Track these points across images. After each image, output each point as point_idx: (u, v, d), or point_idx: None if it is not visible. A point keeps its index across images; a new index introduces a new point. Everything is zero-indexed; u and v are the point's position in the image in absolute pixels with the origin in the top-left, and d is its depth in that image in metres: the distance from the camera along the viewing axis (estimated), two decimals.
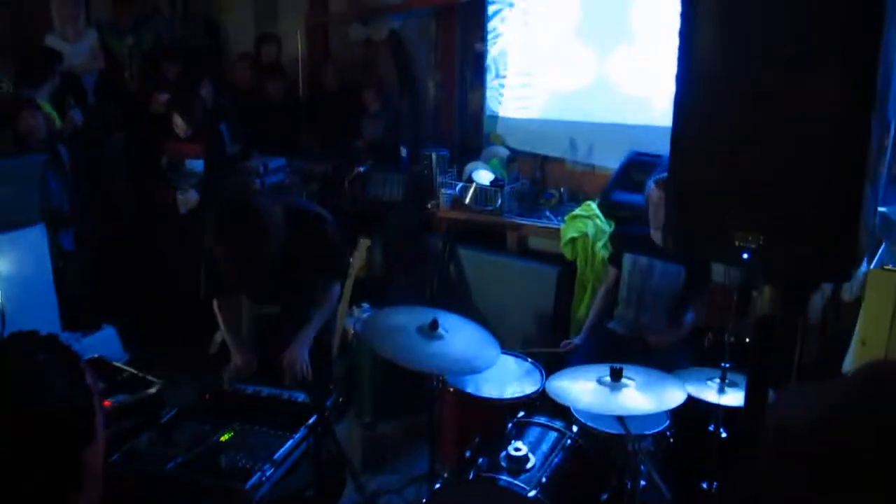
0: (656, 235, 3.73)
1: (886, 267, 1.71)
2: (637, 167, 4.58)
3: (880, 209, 1.94)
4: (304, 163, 5.91)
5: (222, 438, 2.72)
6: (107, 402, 3.00)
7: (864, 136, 1.63)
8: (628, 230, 4.12)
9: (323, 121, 6.19)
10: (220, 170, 5.22)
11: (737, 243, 1.68)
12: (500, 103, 5.66)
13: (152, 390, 3.30)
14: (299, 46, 6.65)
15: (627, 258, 3.91)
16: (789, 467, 0.84)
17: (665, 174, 3.67)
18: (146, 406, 3.21)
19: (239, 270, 3.01)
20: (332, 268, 3.46)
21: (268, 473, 2.54)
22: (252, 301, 3.45)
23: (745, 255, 1.67)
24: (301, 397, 2.98)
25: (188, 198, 5.06)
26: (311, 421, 2.72)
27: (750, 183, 1.72)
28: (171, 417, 2.88)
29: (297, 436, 2.73)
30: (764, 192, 1.70)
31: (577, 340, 4.00)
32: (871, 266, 1.73)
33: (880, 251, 1.86)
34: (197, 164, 5.12)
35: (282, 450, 2.65)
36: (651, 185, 3.76)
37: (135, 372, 3.42)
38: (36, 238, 4.26)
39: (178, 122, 5.00)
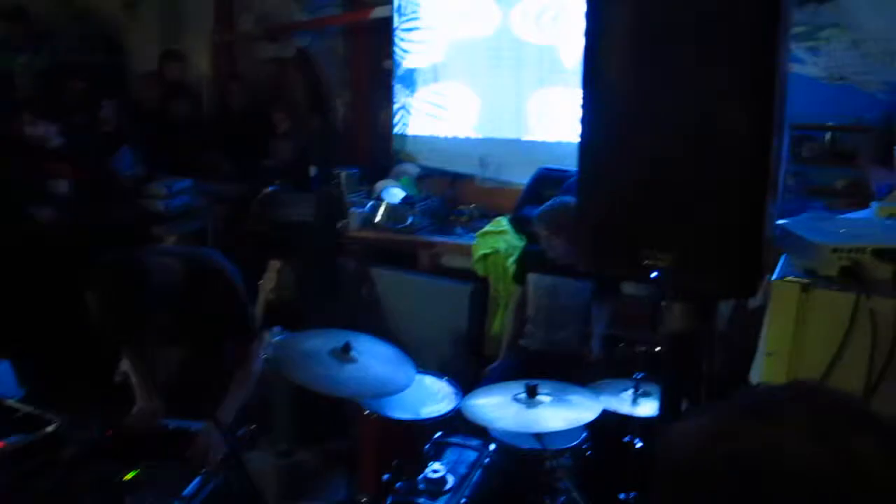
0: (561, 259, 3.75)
1: (788, 279, 1.75)
2: (546, 182, 4.63)
3: (780, 222, 1.98)
4: (212, 184, 5.77)
5: (127, 478, 2.60)
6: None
7: (765, 157, 1.67)
8: (532, 249, 4.15)
9: (231, 141, 6.06)
10: (99, 193, 5.02)
11: (646, 262, 1.70)
12: (409, 121, 5.65)
13: (50, 428, 3.12)
14: (205, 65, 6.51)
15: (532, 278, 3.95)
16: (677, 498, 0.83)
17: (545, 208, 3.77)
18: (44, 446, 3.04)
19: (124, 334, 2.85)
20: (238, 327, 3.25)
21: None
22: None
23: (654, 275, 1.69)
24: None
25: (40, 214, 4.84)
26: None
27: (658, 203, 1.74)
28: (72, 458, 2.74)
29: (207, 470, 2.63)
30: (672, 212, 1.73)
31: (497, 364, 4.01)
32: (773, 277, 1.76)
33: (781, 262, 1.90)
34: (61, 185, 4.91)
35: (191, 486, 2.55)
36: (535, 221, 3.81)
37: (31, 410, 3.23)
38: None
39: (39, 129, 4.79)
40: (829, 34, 4.52)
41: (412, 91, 5.64)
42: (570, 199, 3.54)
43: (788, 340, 1.74)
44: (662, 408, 2.06)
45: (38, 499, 2.49)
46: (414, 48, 5.59)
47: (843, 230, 1.91)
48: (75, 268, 4.50)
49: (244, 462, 2.63)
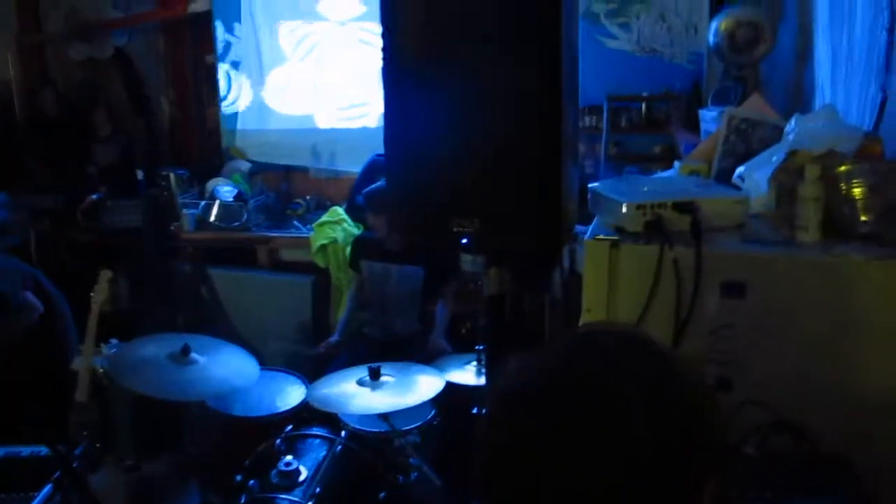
0: (391, 241, 3.81)
1: (598, 237, 1.85)
2: (380, 169, 4.65)
3: (592, 185, 2.10)
4: (29, 196, 5.43)
5: None
6: None
7: (556, 118, 1.76)
8: (364, 236, 4.20)
9: (46, 149, 5.72)
10: None
11: (455, 229, 1.76)
12: (237, 116, 5.54)
13: None
14: (10, 69, 6.10)
15: (365, 265, 3.99)
16: (511, 434, 0.89)
17: (368, 191, 3.85)
18: None
19: None
20: None
21: None
22: None
23: (464, 240, 1.76)
24: (44, 451, 2.73)
25: None
26: (56, 475, 2.50)
27: (460, 170, 1.82)
28: None
29: (43, 493, 2.50)
30: (474, 177, 1.81)
31: (333, 339, 4.02)
32: (586, 238, 1.86)
33: (594, 224, 2.01)
34: None
35: None
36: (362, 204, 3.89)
37: None
38: None
39: None
40: (638, 10, 4.78)
41: (237, 85, 5.52)
42: None
43: (603, 296, 1.84)
44: (489, 373, 2.15)
45: None
46: (236, 42, 5.48)
47: (646, 188, 2.05)
48: None
49: (85, 480, 2.52)
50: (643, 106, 4.82)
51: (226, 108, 5.57)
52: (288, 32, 5.36)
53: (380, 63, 1.85)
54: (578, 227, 2.24)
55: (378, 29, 1.90)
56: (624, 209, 1.85)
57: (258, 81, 5.45)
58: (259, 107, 5.45)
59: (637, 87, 4.80)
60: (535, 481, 0.85)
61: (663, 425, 0.84)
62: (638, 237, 1.83)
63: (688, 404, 0.88)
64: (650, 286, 1.78)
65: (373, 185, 3.88)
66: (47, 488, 2.51)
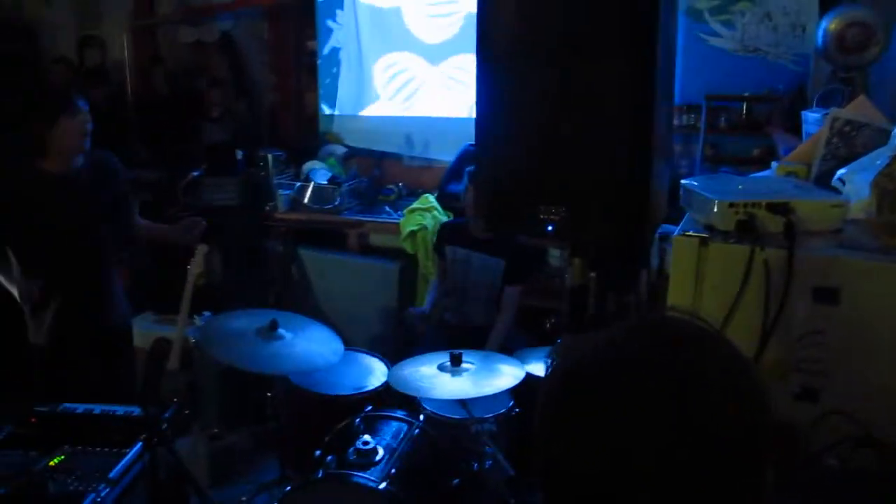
0: (475, 227, 3.82)
1: (687, 234, 1.82)
2: (472, 158, 4.67)
3: (684, 182, 2.06)
4: (135, 171, 5.66)
5: (51, 463, 2.57)
6: None
7: (648, 112, 1.74)
8: (451, 223, 4.22)
9: (154, 126, 5.96)
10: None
11: (541, 217, 1.77)
12: (335, 102, 5.65)
13: None
14: (125, 50, 6.37)
15: (448, 250, 4.00)
16: (559, 411, 0.90)
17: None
18: None
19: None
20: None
21: (102, 494, 2.43)
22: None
23: (549, 228, 1.76)
24: (136, 412, 2.85)
25: None
26: (147, 434, 2.60)
27: (550, 159, 1.81)
28: None
29: (133, 451, 2.62)
30: (564, 166, 1.80)
31: (423, 309, 4.06)
32: (675, 234, 1.84)
33: (684, 220, 1.98)
34: None
35: (117, 468, 2.53)
36: (465, 178, 3.88)
37: None
38: None
39: None
40: (742, 8, 4.65)
41: (337, 71, 5.62)
42: None
43: (689, 294, 1.81)
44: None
45: None
46: (338, 28, 5.58)
47: (740, 187, 2.00)
48: None
49: (172, 443, 2.62)
50: (743, 106, 4.69)
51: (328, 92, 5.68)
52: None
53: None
54: (668, 227, 2.20)
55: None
56: (716, 207, 1.81)
57: (358, 69, 5.52)
58: (359, 94, 5.51)
59: (738, 86, 4.68)
60: (579, 459, 0.86)
61: (709, 414, 0.84)
62: (728, 236, 1.80)
63: (739, 398, 0.87)
64: (738, 287, 1.74)
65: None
66: (137, 446, 2.62)
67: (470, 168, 3.86)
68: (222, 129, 5.66)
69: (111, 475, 2.50)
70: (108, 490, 2.45)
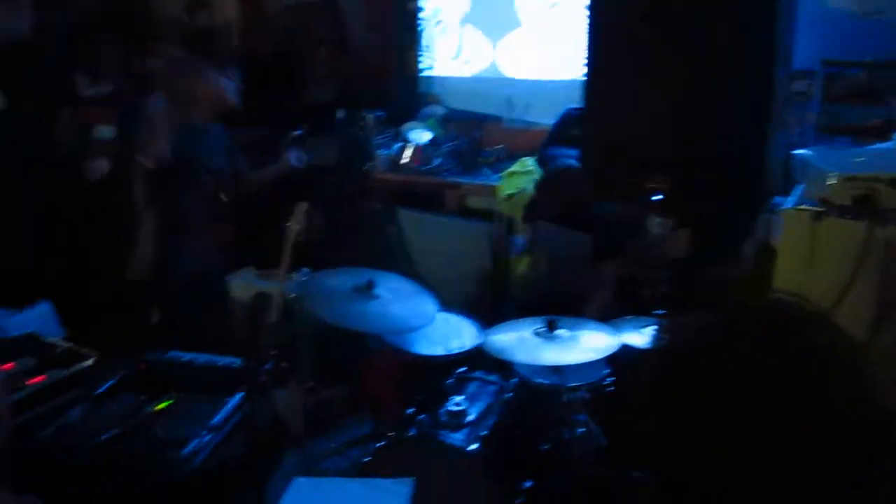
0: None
1: (800, 207, 1.75)
2: (573, 122, 4.59)
3: (798, 152, 1.97)
4: (239, 129, 5.79)
5: (158, 408, 2.70)
6: (8, 366, 2.94)
7: (767, 81, 1.67)
8: None
9: (258, 85, 6.07)
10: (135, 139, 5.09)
11: (648, 186, 1.72)
12: (435, 62, 5.63)
13: (87, 363, 3.24)
14: (232, 10, 6.49)
15: (540, 224, 3.95)
16: (675, 390, 0.88)
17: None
18: (81, 380, 3.15)
19: None
20: None
21: (205, 440, 2.53)
22: None
23: (656, 197, 1.71)
24: (238, 362, 2.96)
25: (96, 165, 4.92)
26: (248, 385, 2.70)
27: (659, 127, 1.76)
28: (106, 389, 2.84)
29: (234, 401, 2.72)
30: (673, 135, 1.75)
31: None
32: (786, 206, 1.76)
33: (798, 192, 1.90)
34: (107, 131, 4.97)
35: (218, 416, 2.64)
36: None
37: (69, 346, 3.35)
38: None
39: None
40: None
41: (438, 32, 5.60)
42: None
43: (798, 271, 1.75)
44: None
45: (74, 427, 2.59)
46: None
47: (859, 159, 1.90)
48: (113, 211, 4.64)
49: (270, 394, 2.71)
50: (863, 73, 4.44)
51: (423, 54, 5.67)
52: None
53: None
54: (778, 199, 2.12)
55: None
56: (832, 180, 1.73)
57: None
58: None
59: (858, 52, 4.41)
60: (672, 440, 0.84)
61: (815, 400, 0.82)
62: (845, 211, 1.71)
63: (845, 385, 0.85)
64: (853, 266, 1.66)
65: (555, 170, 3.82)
66: (238, 396, 2.72)
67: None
68: (324, 88, 5.72)
69: (213, 422, 2.60)
70: (209, 436, 2.56)
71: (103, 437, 2.52)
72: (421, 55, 5.69)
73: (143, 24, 6.46)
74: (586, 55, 1.89)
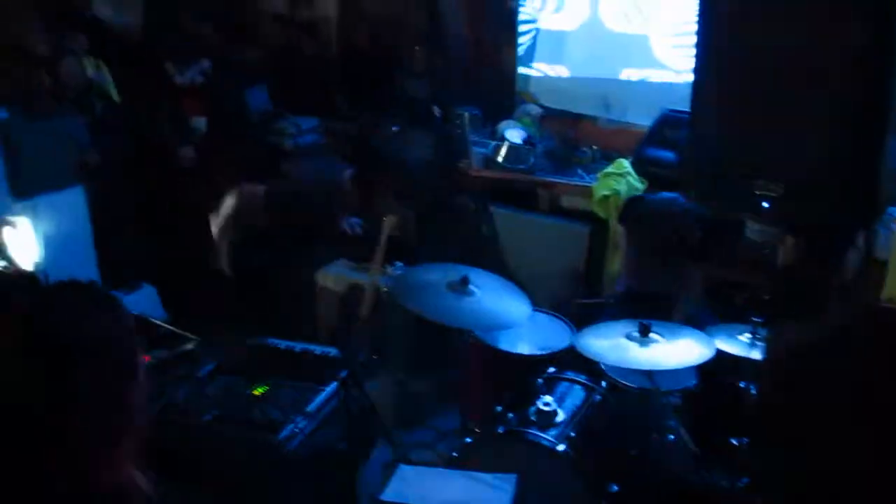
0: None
1: None
2: (670, 124, 4.51)
3: None
4: (337, 123, 5.91)
5: (256, 392, 2.78)
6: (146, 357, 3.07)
7: (885, 88, 1.61)
8: (636, 198, 4.12)
9: (356, 79, 6.17)
10: (231, 128, 5.24)
11: (757, 192, 1.68)
12: (532, 61, 5.62)
13: (189, 346, 3.35)
14: (332, 7, 6.62)
15: (633, 226, 3.90)
16: (779, 393, 0.88)
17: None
18: (183, 361, 3.28)
19: None
20: None
21: (300, 425, 2.60)
22: None
23: (765, 205, 1.67)
24: (333, 352, 3.02)
25: (184, 153, 5.09)
26: (342, 374, 2.76)
27: (770, 132, 1.72)
28: (207, 372, 2.95)
29: (329, 389, 2.78)
30: (785, 140, 1.70)
31: (618, 289, 4.03)
32: None
33: None
34: (199, 121, 5.15)
35: (314, 402, 2.70)
36: None
37: (172, 328, 3.48)
38: (75, 199, 4.34)
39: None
40: None
41: (535, 30, 5.58)
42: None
43: None
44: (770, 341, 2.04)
45: (177, 407, 2.69)
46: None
47: None
48: (210, 199, 4.81)
49: (364, 383, 2.76)
50: None
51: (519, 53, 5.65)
52: None
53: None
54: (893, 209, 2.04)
55: None
56: None
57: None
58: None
59: None
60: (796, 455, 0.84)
61: None
62: None
63: None
64: None
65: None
66: (334, 385, 2.78)
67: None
68: (420, 84, 5.78)
69: (308, 408, 2.67)
70: (305, 422, 2.62)
71: (205, 418, 2.62)
72: (517, 53, 5.68)
73: (246, 17, 6.66)
74: (695, 55, 1.85)
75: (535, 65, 5.61)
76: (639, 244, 3.91)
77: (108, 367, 1.14)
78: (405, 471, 2.40)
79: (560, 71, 5.51)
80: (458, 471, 2.45)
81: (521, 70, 5.67)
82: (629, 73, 5.18)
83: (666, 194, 3.77)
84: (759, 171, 1.76)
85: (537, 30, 5.57)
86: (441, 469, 2.56)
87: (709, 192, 1.92)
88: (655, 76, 5.06)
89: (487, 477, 2.36)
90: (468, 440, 3.11)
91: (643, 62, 5.11)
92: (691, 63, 4.40)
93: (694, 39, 1.89)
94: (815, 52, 1.71)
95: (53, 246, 4.10)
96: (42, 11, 5.10)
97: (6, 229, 3.58)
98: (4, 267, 3.50)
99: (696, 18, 1.84)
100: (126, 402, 1.16)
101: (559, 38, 5.49)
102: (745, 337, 3.09)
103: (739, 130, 1.79)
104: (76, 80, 4.67)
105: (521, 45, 5.64)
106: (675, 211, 3.64)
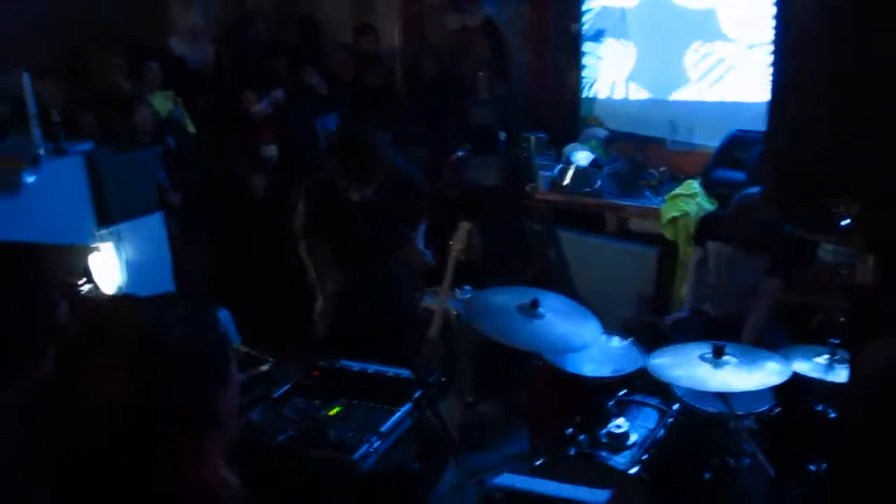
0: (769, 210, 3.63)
1: None
2: (739, 144, 4.50)
3: None
4: (404, 148, 5.99)
5: (330, 413, 2.83)
6: None
7: None
8: (712, 215, 4.08)
9: (422, 107, 6.26)
10: (302, 156, 5.36)
11: (835, 210, 1.66)
12: (597, 84, 5.64)
13: (264, 368, 3.43)
14: (396, 36, 6.75)
15: (711, 245, 3.86)
16: (868, 409, 0.87)
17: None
18: (259, 383, 3.35)
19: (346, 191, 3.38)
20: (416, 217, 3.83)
21: (374, 445, 2.63)
22: (336, 254, 3.64)
23: (843, 223, 1.65)
24: (406, 374, 3.06)
25: (254, 182, 5.22)
26: (415, 395, 2.79)
27: (847, 149, 1.70)
28: (283, 393, 3.01)
29: (403, 410, 2.81)
30: (861, 157, 1.68)
31: (681, 314, 3.99)
32: None
33: None
34: (270, 150, 5.28)
35: (388, 423, 2.73)
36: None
37: (248, 351, 3.56)
38: (155, 225, 4.50)
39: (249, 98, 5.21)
40: None
41: (599, 55, 5.61)
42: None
43: None
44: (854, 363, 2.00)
45: (255, 427, 2.75)
46: (599, 8, 5.55)
47: None
48: (282, 225, 4.92)
49: (437, 405, 2.78)
50: None
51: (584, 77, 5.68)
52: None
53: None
54: None
55: None
56: None
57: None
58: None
59: None
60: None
61: None
62: None
63: None
64: None
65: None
66: (408, 405, 2.82)
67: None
68: (486, 110, 5.83)
69: (382, 429, 2.70)
70: (379, 442, 2.66)
71: (281, 437, 2.68)
72: (581, 77, 5.71)
73: (310, 49, 6.82)
74: (772, 73, 1.83)
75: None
76: (714, 258, 3.87)
77: (201, 375, 1.20)
78: (504, 475, 2.49)
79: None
80: (553, 482, 2.48)
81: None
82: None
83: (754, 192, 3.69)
84: (834, 188, 1.74)
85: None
86: (537, 479, 2.58)
87: (783, 206, 1.90)
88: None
89: (583, 491, 2.38)
90: (538, 462, 3.11)
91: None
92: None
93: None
94: (889, 64, 1.68)
95: (135, 270, 4.25)
96: (123, 48, 5.34)
97: (92, 255, 3.72)
98: (90, 290, 3.64)
99: (774, 40, 1.83)
100: (218, 407, 1.22)
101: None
102: (823, 359, 3.04)
103: (814, 147, 1.77)
104: (149, 126, 4.91)
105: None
106: (752, 214, 3.58)
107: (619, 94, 5.55)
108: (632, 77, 5.46)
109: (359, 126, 3.98)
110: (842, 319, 3.03)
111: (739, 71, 4.88)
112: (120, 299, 1.27)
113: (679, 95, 5.24)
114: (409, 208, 3.77)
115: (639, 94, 5.45)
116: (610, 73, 5.61)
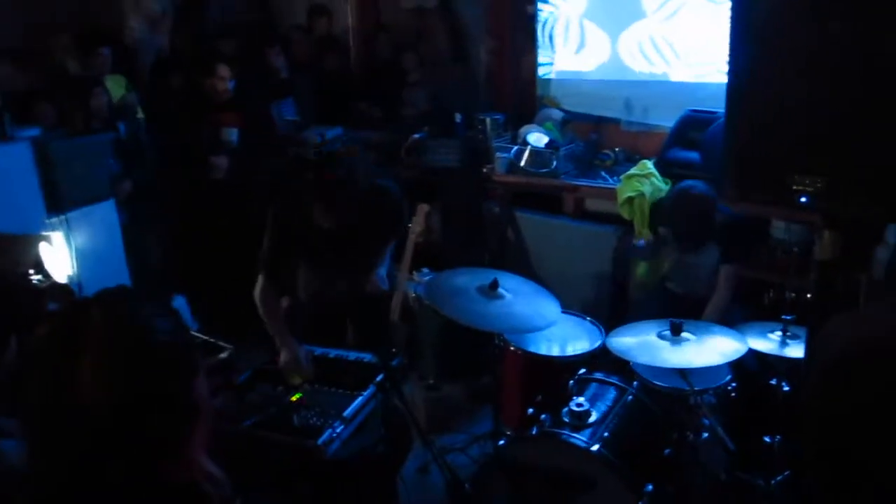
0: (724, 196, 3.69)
1: None
2: (693, 125, 4.55)
3: None
4: (361, 132, 5.97)
5: (293, 398, 2.83)
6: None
7: None
8: (665, 202, 4.13)
9: (377, 90, 6.23)
10: (261, 140, 5.30)
11: (794, 187, 1.69)
12: (552, 65, 5.65)
13: (224, 355, 3.41)
14: (350, 17, 6.68)
15: (662, 231, 3.92)
16: (833, 388, 0.89)
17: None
18: (218, 370, 3.33)
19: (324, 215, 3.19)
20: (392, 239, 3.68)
21: (338, 430, 2.64)
22: (313, 269, 3.51)
23: (803, 199, 1.68)
24: (368, 358, 3.07)
25: (217, 163, 5.15)
26: (378, 379, 2.80)
27: (808, 126, 1.72)
28: (245, 379, 3.00)
29: (366, 394, 2.82)
30: (823, 134, 1.70)
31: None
32: None
33: None
34: (232, 133, 5.22)
35: (351, 407, 2.75)
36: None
37: (206, 338, 3.53)
38: (107, 212, 4.42)
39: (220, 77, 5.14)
40: None
41: (555, 35, 5.61)
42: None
43: None
44: (810, 340, 2.05)
45: (218, 414, 2.73)
46: None
47: None
48: (241, 210, 4.86)
49: (401, 387, 2.79)
50: None
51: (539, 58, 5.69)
52: None
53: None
54: None
55: None
56: None
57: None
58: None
59: None
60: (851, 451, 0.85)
61: None
62: None
63: None
64: None
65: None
66: (371, 389, 2.82)
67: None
68: (441, 93, 5.82)
69: (345, 413, 2.71)
70: (342, 427, 2.66)
71: (245, 424, 2.67)
72: (538, 58, 5.71)
73: (267, 31, 6.74)
74: (729, 49, 1.84)
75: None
76: (670, 242, 3.92)
77: (179, 365, 1.19)
78: None
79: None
80: None
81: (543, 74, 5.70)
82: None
83: (691, 185, 3.76)
84: (796, 165, 1.76)
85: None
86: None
87: (746, 187, 1.92)
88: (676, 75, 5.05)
89: None
90: (501, 442, 3.14)
91: None
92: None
93: None
94: (853, 38, 1.69)
95: (86, 259, 4.18)
96: (75, 34, 5.23)
97: (43, 244, 3.64)
98: (40, 280, 3.57)
99: (731, 6, 1.83)
100: (196, 393, 1.21)
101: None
102: (776, 335, 3.11)
103: (774, 124, 1.78)
104: (104, 112, 4.82)
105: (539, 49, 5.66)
106: (703, 199, 3.64)
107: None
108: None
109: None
110: (793, 296, 3.10)
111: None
112: (95, 297, 1.25)
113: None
114: (386, 231, 3.61)
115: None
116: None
